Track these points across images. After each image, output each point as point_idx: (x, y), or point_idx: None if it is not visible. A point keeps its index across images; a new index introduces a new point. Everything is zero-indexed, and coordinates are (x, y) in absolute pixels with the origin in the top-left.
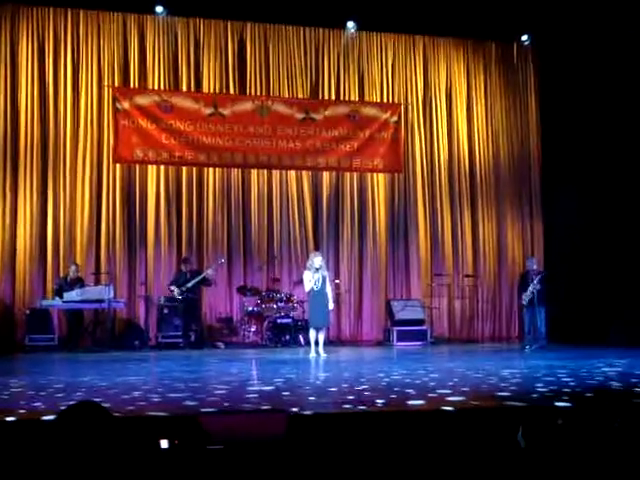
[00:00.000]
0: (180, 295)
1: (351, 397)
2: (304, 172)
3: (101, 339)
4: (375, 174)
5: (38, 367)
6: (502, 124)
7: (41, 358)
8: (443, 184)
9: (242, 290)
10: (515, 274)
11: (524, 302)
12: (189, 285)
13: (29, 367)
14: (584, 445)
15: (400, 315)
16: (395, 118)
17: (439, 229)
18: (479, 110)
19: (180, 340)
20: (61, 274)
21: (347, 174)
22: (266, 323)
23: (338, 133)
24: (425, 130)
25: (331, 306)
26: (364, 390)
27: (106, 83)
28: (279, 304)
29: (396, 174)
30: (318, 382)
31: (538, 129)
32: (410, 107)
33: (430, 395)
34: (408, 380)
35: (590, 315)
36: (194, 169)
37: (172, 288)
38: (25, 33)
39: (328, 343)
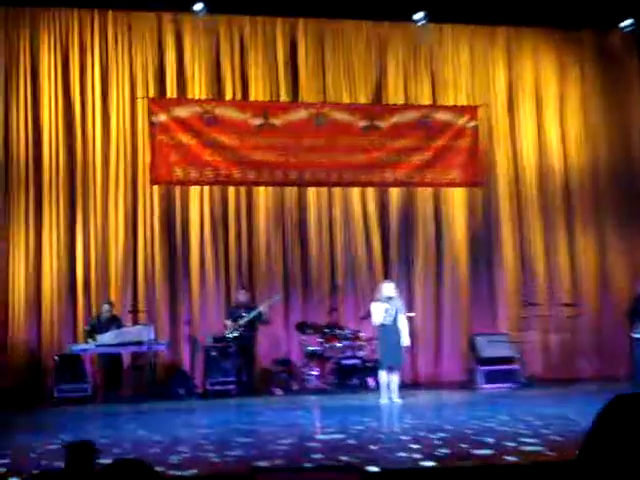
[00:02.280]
0: (233, 333)
1: (431, 451)
2: (369, 189)
3: (141, 387)
4: (452, 189)
5: (71, 422)
6: (601, 125)
7: (74, 411)
8: (532, 198)
9: (301, 327)
10: (622, 301)
11: (636, 334)
12: (244, 321)
13: (61, 422)
14: None
15: (486, 352)
16: (473, 123)
17: (529, 251)
18: (573, 110)
19: (231, 387)
20: (93, 314)
21: (419, 190)
22: (329, 365)
23: (407, 143)
24: (509, 136)
25: (406, 342)
26: (445, 443)
27: (140, 94)
28: (344, 342)
29: (476, 188)
30: (393, 433)
31: None
32: (491, 110)
33: (524, 449)
34: (497, 430)
35: None
36: (242, 189)
37: (227, 323)
38: (47, 40)
39: (402, 386)
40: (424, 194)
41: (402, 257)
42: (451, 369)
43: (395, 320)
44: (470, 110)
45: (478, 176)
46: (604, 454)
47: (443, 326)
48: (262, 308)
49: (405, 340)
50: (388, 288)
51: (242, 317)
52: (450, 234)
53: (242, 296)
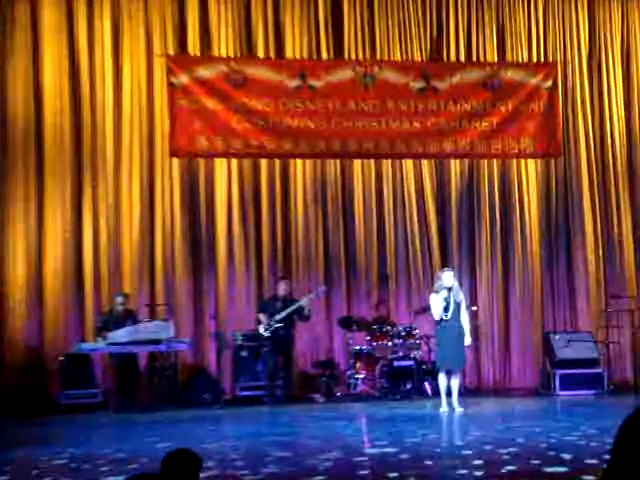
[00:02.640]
0: (267, 330)
1: (497, 468)
2: (425, 161)
3: (160, 393)
4: (523, 160)
5: (80, 433)
6: None
7: (82, 420)
8: (620, 172)
9: (345, 323)
10: None
11: None
12: (281, 316)
13: (68, 432)
14: None
15: (564, 353)
16: (549, 83)
17: (615, 234)
18: None
19: (265, 393)
20: (104, 308)
21: (484, 162)
22: (379, 367)
23: (471, 107)
24: (593, 98)
25: (468, 341)
26: (514, 458)
27: (157, 51)
28: (396, 341)
29: (552, 160)
30: (453, 447)
31: None
32: (571, 67)
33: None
34: (576, 444)
35: None
36: (277, 162)
37: (260, 318)
38: None
39: (465, 393)
40: (490, 167)
41: (464, 242)
42: (522, 373)
43: (456, 315)
44: (545, 67)
45: (555, 145)
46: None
47: (512, 322)
48: (303, 301)
49: (467, 339)
50: (448, 277)
51: (278, 311)
52: (521, 215)
53: (282, 287)
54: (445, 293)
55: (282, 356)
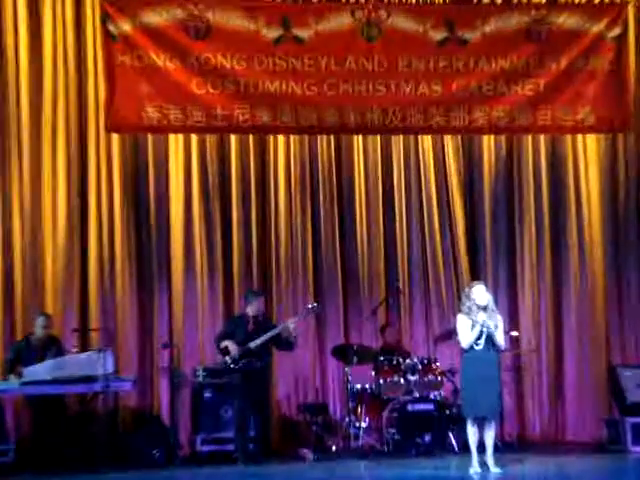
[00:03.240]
0: (235, 363)
1: None
2: (449, 137)
3: (94, 449)
4: (580, 136)
5: None
6: None
7: None
8: None
9: (342, 354)
10: None
11: None
12: (256, 344)
13: None
14: None
15: (636, 395)
16: (617, 32)
17: None
18: None
19: (234, 447)
20: (17, 335)
21: (527, 138)
22: (387, 413)
23: (510, 64)
24: None
25: (501, 340)
26: None
27: None
28: (410, 377)
29: (621, 135)
30: None
31: None
32: None
33: None
34: None
35: None
36: (251, 138)
37: (225, 344)
38: None
39: (502, 448)
40: (536, 145)
41: (500, 245)
42: (580, 421)
43: (490, 344)
44: (612, 10)
45: (622, 116)
46: None
47: (566, 353)
48: (289, 324)
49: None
50: (480, 293)
51: (250, 337)
52: (577, 208)
53: (254, 305)
54: (478, 314)
55: (258, 397)
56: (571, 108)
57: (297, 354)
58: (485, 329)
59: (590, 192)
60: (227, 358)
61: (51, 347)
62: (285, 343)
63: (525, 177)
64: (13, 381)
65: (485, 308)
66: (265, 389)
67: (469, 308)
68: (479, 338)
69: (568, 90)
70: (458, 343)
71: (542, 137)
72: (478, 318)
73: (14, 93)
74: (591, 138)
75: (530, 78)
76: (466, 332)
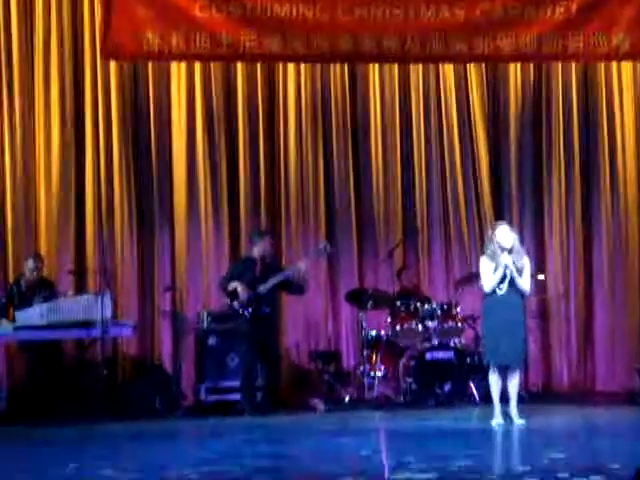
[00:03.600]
0: (242, 307)
1: None
2: (472, 66)
3: (92, 397)
4: (615, 64)
5: None
6: None
7: None
8: None
9: (357, 298)
10: None
11: None
12: (265, 288)
13: None
14: None
15: None
16: None
17: None
18: None
19: (241, 397)
20: (10, 278)
21: (558, 66)
22: (404, 361)
23: None
24: None
25: (527, 285)
26: None
27: None
28: (429, 323)
29: None
30: (514, 478)
31: None
32: None
33: None
34: None
35: None
36: (258, 66)
37: (234, 286)
38: None
39: (527, 398)
40: (567, 74)
41: (526, 183)
42: (610, 371)
43: (515, 288)
44: None
45: None
46: None
47: (596, 299)
48: (293, 268)
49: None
50: (505, 233)
51: (260, 279)
52: (611, 145)
53: (261, 246)
54: (502, 256)
55: (267, 344)
56: (605, 33)
57: (308, 299)
58: (509, 272)
59: (625, 124)
60: (235, 303)
61: (43, 290)
62: (295, 287)
63: (554, 109)
64: (6, 326)
65: (510, 250)
66: (274, 336)
67: (493, 252)
68: (502, 282)
69: (602, 13)
70: (480, 288)
71: (573, 65)
72: (502, 260)
73: (2, 18)
74: (626, 66)
75: (561, 1)
76: (488, 275)
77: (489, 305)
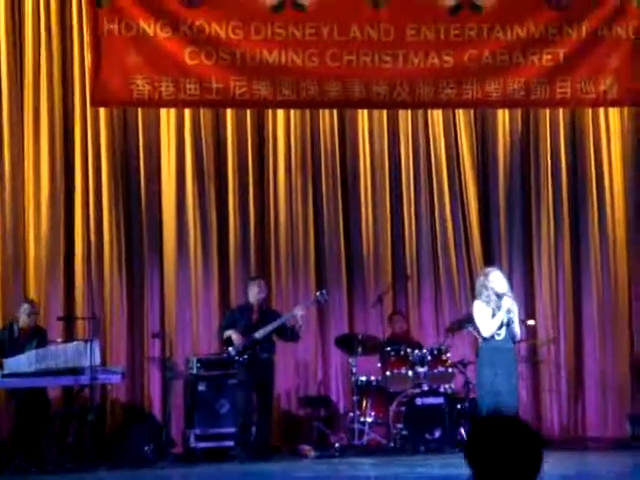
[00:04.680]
0: (239, 354)
1: None
2: (461, 112)
3: (80, 445)
4: (602, 110)
5: None
6: None
7: None
8: None
9: (347, 344)
10: None
11: None
12: (262, 334)
13: None
14: None
15: None
16: None
17: None
18: None
19: (231, 444)
20: None
21: (545, 113)
22: (394, 407)
23: (527, 33)
24: None
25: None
26: None
27: None
28: (419, 369)
29: None
30: None
31: None
32: None
33: None
34: None
35: None
36: (248, 113)
37: (229, 334)
38: None
39: None
40: (554, 120)
41: (515, 228)
42: (602, 416)
43: (510, 332)
44: None
45: None
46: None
47: (586, 343)
48: (290, 315)
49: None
50: (499, 279)
51: (255, 326)
52: (599, 190)
53: (255, 291)
54: (502, 301)
55: (261, 391)
56: (593, 80)
57: (298, 344)
58: (509, 317)
59: (613, 172)
60: (231, 349)
61: (35, 338)
62: (290, 333)
63: (542, 155)
64: None
65: (501, 296)
66: (270, 382)
67: (488, 297)
68: (500, 327)
69: (590, 60)
70: (470, 333)
71: (561, 111)
72: (504, 304)
73: None
74: (614, 112)
75: (549, 47)
76: (487, 320)
77: (486, 352)
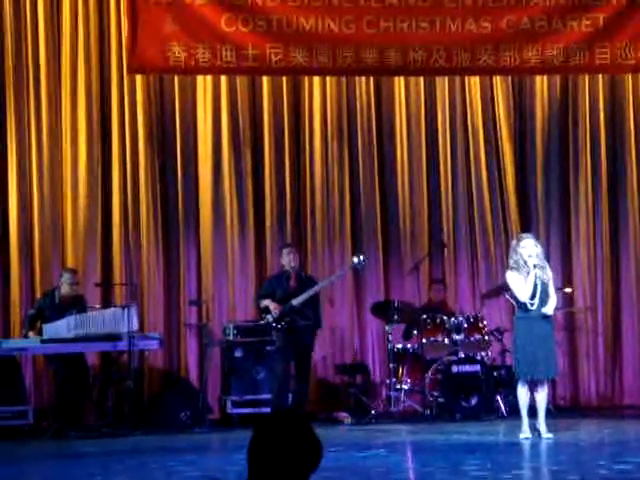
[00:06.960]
0: (277, 321)
1: None
2: (497, 78)
3: (118, 411)
4: None
5: (3, 470)
6: None
7: (3, 451)
8: None
9: (383, 311)
10: None
11: None
12: (299, 301)
13: None
14: None
15: None
16: None
17: None
18: None
19: (268, 409)
20: (37, 291)
21: (584, 78)
22: (430, 374)
23: None
24: None
25: (550, 309)
26: None
27: None
28: (455, 337)
29: None
30: None
31: None
32: None
33: None
34: None
35: None
36: (284, 80)
37: (265, 304)
38: None
39: (555, 412)
40: (594, 87)
41: (553, 195)
42: (638, 384)
43: (543, 302)
44: None
45: None
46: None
47: (625, 311)
48: (325, 282)
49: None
50: (531, 247)
51: (292, 293)
52: (637, 154)
53: (287, 259)
54: (530, 270)
55: (299, 359)
56: (632, 45)
57: (334, 312)
58: (539, 285)
59: None
60: (269, 316)
61: (75, 306)
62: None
63: (581, 121)
64: (33, 339)
65: (536, 265)
66: (308, 349)
67: (516, 262)
68: (533, 297)
69: (629, 26)
70: (508, 301)
71: (600, 78)
72: (531, 270)
73: (31, 34)
74: None
75: (588, 13)
76: (521, 286)
77: (520, 320)
